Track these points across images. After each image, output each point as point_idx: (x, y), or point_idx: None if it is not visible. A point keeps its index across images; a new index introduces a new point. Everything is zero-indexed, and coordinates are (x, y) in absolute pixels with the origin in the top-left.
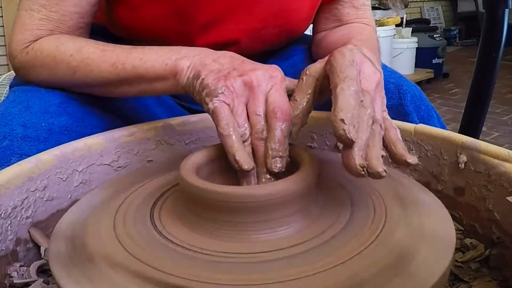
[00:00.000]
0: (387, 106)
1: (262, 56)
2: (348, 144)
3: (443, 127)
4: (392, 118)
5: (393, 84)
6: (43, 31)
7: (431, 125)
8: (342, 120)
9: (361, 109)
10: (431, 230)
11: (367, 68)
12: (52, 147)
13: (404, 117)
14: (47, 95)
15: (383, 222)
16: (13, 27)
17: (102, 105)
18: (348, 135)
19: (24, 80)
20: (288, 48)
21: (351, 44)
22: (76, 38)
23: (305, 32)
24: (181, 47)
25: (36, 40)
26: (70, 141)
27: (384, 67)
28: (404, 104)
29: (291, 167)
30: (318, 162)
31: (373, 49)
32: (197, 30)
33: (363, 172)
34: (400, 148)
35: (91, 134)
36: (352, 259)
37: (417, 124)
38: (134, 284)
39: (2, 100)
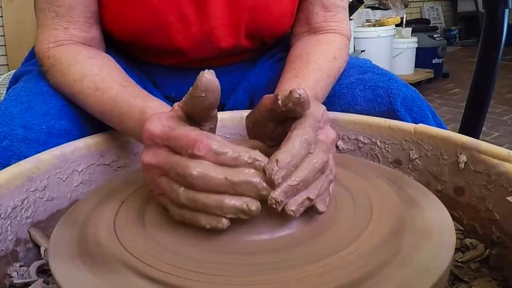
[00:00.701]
0: (379, 112)
1: (255, 56)
2: (270, 184)
3: (439, 125)
4: None
5: (382, 89)
6: (59, 30)
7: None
8: (277, 161)
9: (311, 155)
10: (430, 229)
11: (327, 125)
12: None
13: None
14: (50, 97)
15: (381, 223)
16: (36, 27)
17: None
18: (272, 177)
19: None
20: (280, 48)
21: (300, 73)
22: (87, 58)
23: None
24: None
25: (57, 42)
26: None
27: (372, 69)
28: (395, 109)
29: None
30: None
31: (325, 84)
32: (174, 26)
33: (274, 206)
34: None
35: None
36: (351, 260)
37: None
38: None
39: (2, 98)
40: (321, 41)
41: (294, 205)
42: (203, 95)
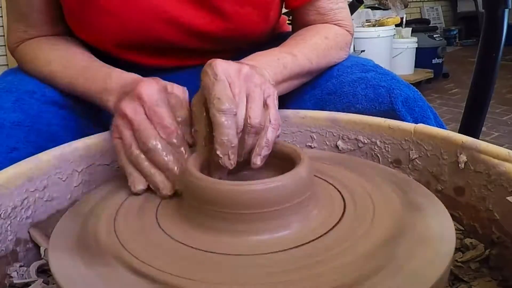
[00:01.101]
0: (379, 112)
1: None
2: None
3: (440, 126)
4: None
5: (384, 88)
6: (20, 32)
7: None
8: (218, 153)
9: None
10: (431, 229)
11: (232, 69)
12: (3, 139)
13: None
14: (5, 93)
15: (382, 222)
16: None
17: (61, 103)
18: (224, 164)
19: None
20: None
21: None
22: (50, 46)
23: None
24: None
25: (21, 42)
26: (22, 134)
27: (375, 68)
28: (395, 109)
29: (286, 165)
30: (314, 161)
31: (308, 51)
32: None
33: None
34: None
35: (47, 130)
36: (351, 259)
37: None
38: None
39: None
40: (317, 27)
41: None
42: None
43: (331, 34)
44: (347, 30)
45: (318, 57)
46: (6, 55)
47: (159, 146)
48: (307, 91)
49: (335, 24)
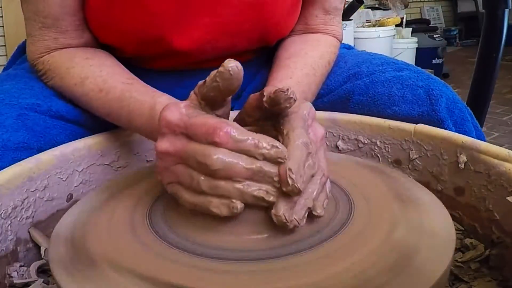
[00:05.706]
0: (417, 114)
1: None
2: (295, 193)
3: (475, 127)
4: None
5: (422, 89)
6: (48, 41)
7: (465, 129)
8: (290, 170)
9: (307, 158)
10: (431, 230)
11: (315, 122)
12: (8, 165)
13: (437, 125)
14: (4, 107)
15: (382, 221)
16: (26, 34)
17: (68, 118)
18: (296, 185)
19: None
20: None
21: (294, 74)
22: (85, 60)
23: None
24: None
25: (48, 52)
26: (28, 157)
27: (408, 66)
28: (436, 110)
29: None
30: None
31: (316, 89)
32: (169, 30)
33: (283, 223)
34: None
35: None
36: (353, 259)
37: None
38: (136, 286)
39: None
40: (320, 41)
41: (298, 217)
42: (230, 81)
43: (332, 57)
44: (339, 40)
45: (319, 87)
46: (6, 55)
47: (221, 156)
48: (334, 88)
49: (332, 33)
